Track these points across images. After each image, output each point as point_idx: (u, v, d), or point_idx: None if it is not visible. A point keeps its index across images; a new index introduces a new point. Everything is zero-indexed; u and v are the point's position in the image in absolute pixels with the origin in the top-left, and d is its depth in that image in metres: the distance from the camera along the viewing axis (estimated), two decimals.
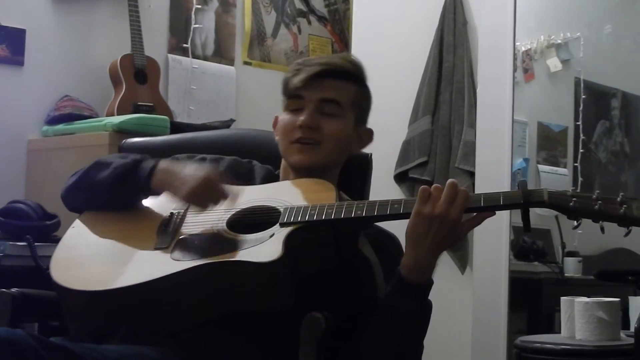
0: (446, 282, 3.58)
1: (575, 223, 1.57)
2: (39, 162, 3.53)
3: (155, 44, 3.94)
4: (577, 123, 4.58)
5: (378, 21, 4.12)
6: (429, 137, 3.81)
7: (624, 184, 4.79)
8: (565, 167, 4.59)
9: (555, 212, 1.57)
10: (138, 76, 3.65)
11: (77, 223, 1.80)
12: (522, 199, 1.56)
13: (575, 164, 4.56)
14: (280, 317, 1.63)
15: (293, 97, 1.84)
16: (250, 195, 1.76)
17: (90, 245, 1.74)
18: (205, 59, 4.22)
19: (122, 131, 3.23)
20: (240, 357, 1.63)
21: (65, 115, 3.54)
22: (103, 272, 1.67)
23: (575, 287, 4.07)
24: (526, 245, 4.07)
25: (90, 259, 1.72)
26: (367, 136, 1.93)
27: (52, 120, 3.56)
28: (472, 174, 3.67)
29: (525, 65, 4.41)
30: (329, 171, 1.84)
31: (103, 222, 1.77)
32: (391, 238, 1.83)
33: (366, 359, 1.67)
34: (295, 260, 1.60)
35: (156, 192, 1.74)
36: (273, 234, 1.61)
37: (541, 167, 4.47)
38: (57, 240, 1.79)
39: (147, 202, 1.79)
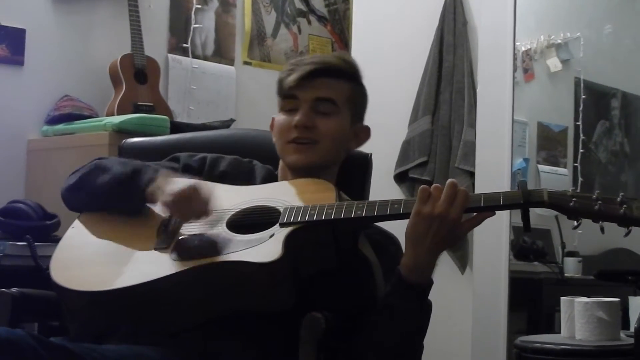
0: (446, 282, 3.58)
1: (575, 223, 1.57)
2: (39, 162, 3.52)
3: (155, 44, 3.94)
4: (577, 123, 4.59)
5: (378, 21, 4.12)
6: (429, 137, 3.81)
7: (624, 184, 4.79)
8: (565, 167, 4.59)
9: (555, 212, 1.57)
10: (138, 76, 3.65)
11: (77, 223, 1.80)
12: (522, 199, 1.56)
13: (575, 164, 4.56)
14: (280, 317, 1.63)
15: (288, 97, 1.84)
16: (250, 195, 1.76)
17: (90, 245, 1.74)
18: (205, 59, 4.22)
19: (122, 131, 3.23)
20: (240, 357, 1.63)
21: (65, 115, 3.54)
22: (103, 272, 1.67)
23: (575, 287, 4.07)
24: (526, 245, 4.07)
25: (90, 259, 1.71)
26: (365, 133, 1.92)
27: (52, 120, 3.56)
28: (472, 174, 3.67)
29: (525, 65, 4.41)
30: (327, 170, 1.84)
31: (103, 223, 1.77)
32: (391, 238, 1.83)
33: (366, 359, 1.67)
34: (295, 261, 1.60)
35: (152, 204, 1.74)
36: (273, 234, 1.61)
37: (541, 167, 4.47)
38: (57, 240, 1.79)
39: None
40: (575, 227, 1.57)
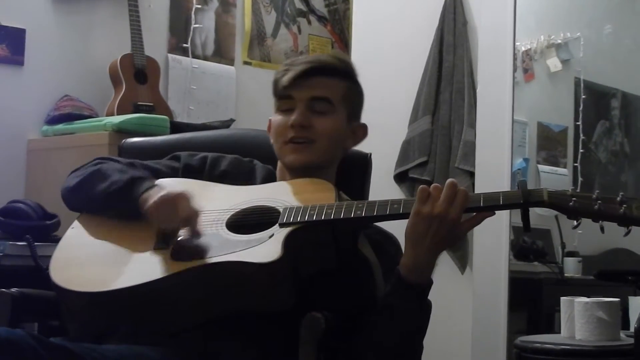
0: (446, 282, 3.58)
1: (575, 223, 1.57)
2: (39, 162, 3.52)
3: (155, 44, 3.94)
4: (577, 123, 4.59)
5: (378, 21, 4.12)
6: (429, 137, 3.81)
7: (624, 184, 4.80)
8: (565, 167, 4.59)
9: (555, 212, 1.57)
10: (138, 76, 3.65)
11: (76, 224, 1.80)
12: (521, 198, 1.56)
13: (575, 164, 4.56)
14: (280, 317, 1.63)
15: (283, 97, 1.84)
16: (250, 195, 1.76)
17: (89, 245, 1.74)
18: (205, 59, 4.22)
19: (122, 131, 3.23)
20: (240, 357, 1.63)
21: (65, 115, 3.54)
22: (102, 273, 1.67)
23: (575, 287, 4.07)
24: (526, 245, 4.07)
25: (89, 259, 1.71)
26: (362, 131, 1.92)
27: (52, 120, 3.56)
28: (472, 174, 3.67)
29: (525, 65, 4.42)
30: (326, 169, 1.84)
31: (102, 223, 1.77)
32: (390, 238, 1.83)
33: (366, 359, 1.67)
34: (295, 261, 1.60)
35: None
36: (272, 235, 1.61)
37: (541, 167, 4.47)
38: (57, 240, 1.78)
39: None
40: (575, 227, 1.57)
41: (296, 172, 1.82)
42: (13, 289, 1.83)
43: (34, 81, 3.60)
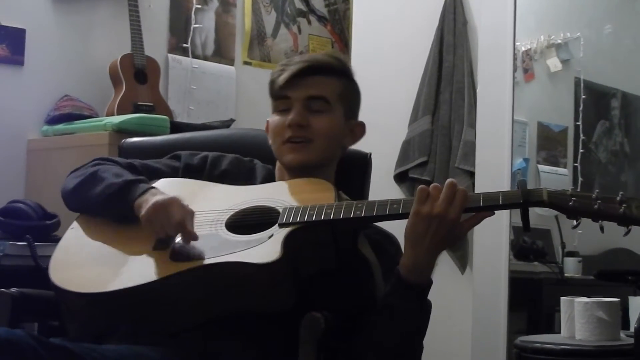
0: (446, 282, 3.58)
1: (574, 222, 1.57)
2: (39, 162, 3.52)
3: (155, 44, 3.94)
4: (577, 123, 4.59)
5: (378, 21, 4.12)
6: (429, 137, 3.81)
7: (624, 184, 4.80)
8: (565, 167, 4.59)
9: (555, 212, 1.57)
10: (138, 76, 3.65)
11: (76, 224, 1.80)
12: (521, 198, 1.55)
13: (575, 164, 4.56)
14: (280, 317, 1.63)
15: (280, 98, 1.85)
16: (249, 196, 1.76)
17: (88, 246, 1.74)
18: (205, 59, 4.22)
19: (122, 131, 3.23)
20: (240, 357, 1.63)
21: (65, 115, 3.54)
22: (102, 273, 1.67)
23: (575, 287, 4.07)
24: (526, 245, 4.07)
25: (88, 260, 1.71)
26: (360, 129, 1.92)
27: (52, 120, 3.56)
28: (472, 174, 3.67)
29: (525, 65, 4.42)
30: (324, 168, 1.84)
31: (102, 224, 1.77)
32: (390, 238, 1.83)
33: (366, 359, 1.67)
34: (295, 261, 1.60)
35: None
36: (272, 235, 1.61)
37: (541, 167, 4.47)
38: (57, 240, 1.79)
39: None
40: (575, 227, 1.57)
41: (294, 171, 1.82)
42: (13, 289, 1.83)
43: (34, 81, 3.60)
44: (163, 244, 1.66)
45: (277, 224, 1.64)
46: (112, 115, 3.51)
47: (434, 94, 3.83)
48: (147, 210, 1.65)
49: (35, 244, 2.87)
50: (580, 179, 4.52)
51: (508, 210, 3.26)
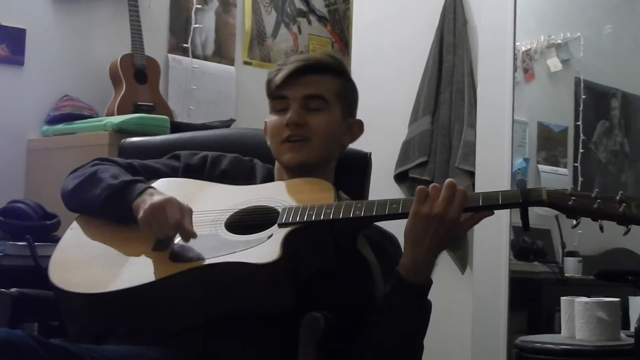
0: (446, 282, 3.58)
1: (574, 222, 1.56)
2: (39, 162, 3.52)
3: (155, 44, 3.94)
4: (577, 123, 4.59)
5: (378, 21, 4.13)
6: (429, 137, 3.81)
7: (624, 183, 4.80)
8: (565, 167, 4.59)
9: (556, 212, 1.56)
10: (138, 76, 3.65)
11: (75, 225, 1.80)
12: (520, 198, 1.55)
13: (575, 164, 4.56)
14: (280, 317, 1.63)
15: (277, 97, 1.85)
16: (249, 196, 1.76)
17: (88, 247, 1.74)
18: (205, 58, 4.22)
19: (122, 131, 3.23)
20: (240, 357, 1.63)
21: (65, 115, 3.53)
22: (101, 274, 1.66)
23: (575, 287, 4.07)
24: (526, 245, 4.07)
25: (88, 260, 1.71)
26: (358, 128, 1.92)
27: (52, 120, 3.56)
28: (472, 174, 3.67)
29: (525, 65, 4.42)
30: (323, 167, 1.84)
31: (101, 224, 1.76)
32: (390, 238, 1.83)
33: (366, 359, 1.67)
34: (294, 261, 1.60)
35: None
36: (271, 235, 1.61)
37: (541, 167, 4.47)
38: (57, 240, 1.79)
39: None
40: (574, 226, 1.57)
41: (293, 171, 1.82)
42: (13, 289, 1.83)
43: (34, 81, 3.59)
44: (162, 245, 1.66)
45: (276, 224, 1.63)
46: (112, 115, 3.51)
47: (434, 94, 3.83)
48: (144, 213, 1.65)
49: (35, 244, 2.87)
50: (580, 179, 4.52)
51: (508, 210, 3.26)
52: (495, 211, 1.60)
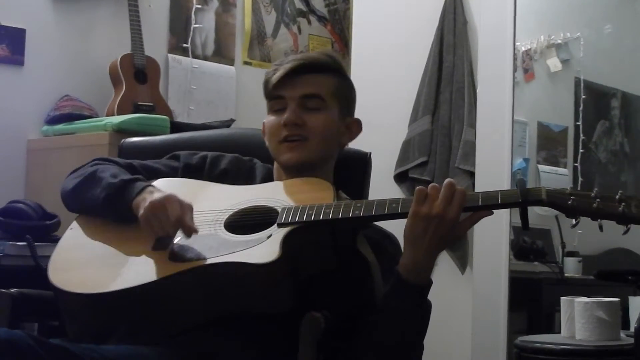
0: (446, 282, 3.58)
1: (573, 221, 1.56)
2: (39, 162, 3.52)
3: (155, 44, 3.94)
4: (577, 123, 4.59)
5: (378, 21, 4.13)
6: (429, 137, 3.81)
7: (624, 183, 4.80)
8: (565, 167, 4.59)
9: (555, 212, 1.56)
10: (138, 76, 3.65)
11: (75, 225, 1.80)
12: (520, 197, 1.55)
13: (575, 164, 4.56)
14: (280, 317, 1.62)
15: (274, 98, 1.85)
16: (248, 195, 1.76)
17: (87, 247, 1.74)
18: (205, 58, 4.22)
19: (122, 131, 3.23)
20: (240, 357, 1.63)
21: (65, 115, 3.53)
22: (101, 274, 1.66)
23: (575, 287, 4.07)
24: (526, 245, 4.07)
25: (87, 261, 1.71)
26: (356, 126, 1.92)
27: (52, 120, 3.56)
28: (472, 174, 3.67)
29: (525, 65, 4.42)
30: (322, 167, 1.84)
31: (101, 224, 1.76)
32: (390, 237, 1.83)
33: (366, 359, 1.67)
34: (294, 261, 1.60)
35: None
36: (271, 235, 1.61)
37: (541, 167, 4.47)
38: (57, 240, 1.79)
39: None
40: (574, 226, 1.57)
41: (292, 171, 1.81)
42: (13, 289, 1.83)
43: (34, 81, 3.59)
44: (162, 244, 1.66)
45: (276, 224, 1.63)
46: (112, 115, 3.51)
47: (434, 94, 3.84)
48: (145, 210, 1.64)
49: (35, 244, 2.86)
50: (580, 178, 4.52)
51: (508, 210, 3.26)
52: (495, 211, 1.60)
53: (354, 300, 1.69)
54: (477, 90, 3.72)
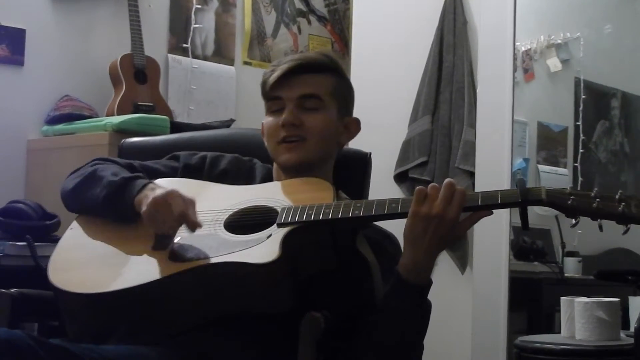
0: (446, 282, 3.58)
1: (573, 221, 1.56)
2: (39, 162, 3.52)
3: (155, 44, 3.94)
4: (577, 123, 4.59)
5: (378, 21, 4.13)
6: (429, 137, 3.81)
7: (624, 183, 4.80)
8: (565, 167, 4.59)
9: (555, 212, 1.56)
10: (138, 76, 3.65)
11: (75, 225, 1.79)
12: (520, 197, 1.55)
13: (575, 164, 4.56)
14: (280, 317, 1.62)
15: (272, 98, 1.85)
16: (248, 195, 1.76)
17: (87, 247, 1.74)
18: (205, 59, 4.22)
19: (122, 131, 3.23)
20: (240, 357, 1.63)
21: (65, 115, 3.53)
22: (101, 274, 1.66)
23: (575, 287, 4.07)
24: (526, 245, 4.07)
25: (87, 261, 1.71)
26: (355, 126, 1.91)
27: (52, 120, 3.56)
28: (471, 174, 3.67)
29: (525, 65, 4.42)
30: (321, 167, 1.84)
31: (100, 224, 1.76)
32: (389, 237, 1.83)
33: (366, 359, 1.67)
34: (294, 261, 1.60)
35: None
36: (270, 235, 1.61)
37: (541, 167, 4.47)
38: (57, 240, 1.79)
39: None
40: (574, 225, 1.57)
41: (291, 171, 1.81)
42: (13, 289, 1.83)
43: (34, 81, 3.60)
44: (162, 244, 1.66)
45: (275, 224, 1.63)
46: (112, 115, 3.51)
47: (434, 94, 3.84)
48: (148, 207, 1.64)
49: (35, 244, 2.86)
50: (580, 178, 4.52)
51: (508, 210, 3.27)
52: (495, 211, 1.60)
53: (353, 300, 1.69)
54: (477, 90, 3.72)
